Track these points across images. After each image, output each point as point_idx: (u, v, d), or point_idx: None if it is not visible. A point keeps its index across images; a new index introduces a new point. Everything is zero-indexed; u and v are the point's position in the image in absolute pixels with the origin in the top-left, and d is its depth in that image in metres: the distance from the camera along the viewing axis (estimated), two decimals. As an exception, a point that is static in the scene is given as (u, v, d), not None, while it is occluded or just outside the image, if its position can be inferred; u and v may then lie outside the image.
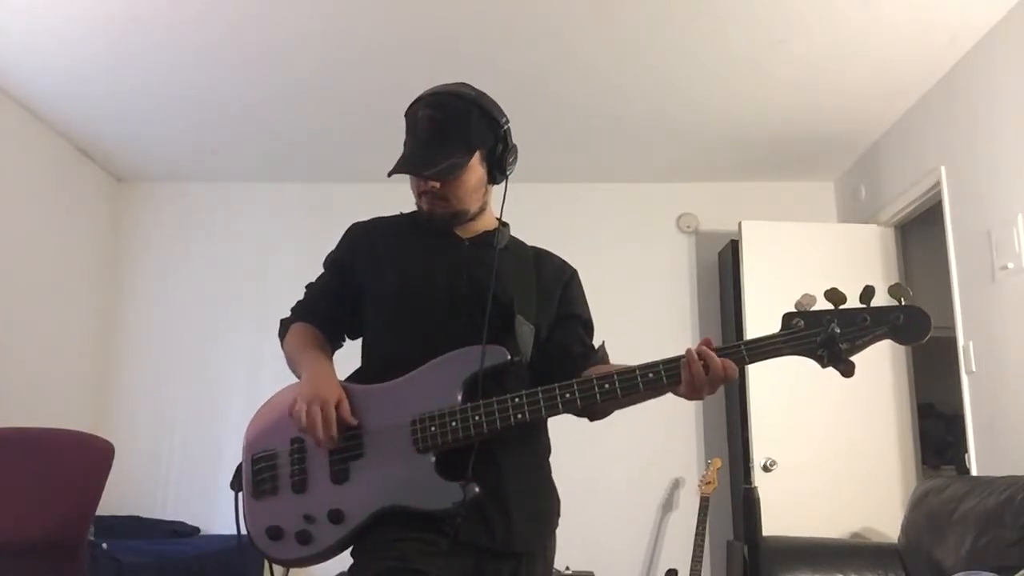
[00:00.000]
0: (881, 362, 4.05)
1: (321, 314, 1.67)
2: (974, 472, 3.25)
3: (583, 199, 4.76)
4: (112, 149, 4.46)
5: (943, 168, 3.56)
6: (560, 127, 4.15)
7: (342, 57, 3.50)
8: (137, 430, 4.48)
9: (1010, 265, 3.05)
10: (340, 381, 1.55)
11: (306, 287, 1.73)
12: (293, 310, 1.71)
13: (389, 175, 1.56)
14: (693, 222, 4.77)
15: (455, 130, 1.55)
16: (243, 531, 1.50)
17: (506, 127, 1.61)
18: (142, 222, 4.86)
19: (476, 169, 1.58)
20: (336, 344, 1.69)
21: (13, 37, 3.34)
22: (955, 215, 3.48)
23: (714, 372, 1.36)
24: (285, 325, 1.70)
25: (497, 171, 1.61)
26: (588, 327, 1.70)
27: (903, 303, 1.37)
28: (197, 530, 4.31)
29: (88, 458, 2.89)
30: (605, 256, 4.52)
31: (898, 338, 1.38)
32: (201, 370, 4.64)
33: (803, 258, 4.07)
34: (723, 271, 4.56)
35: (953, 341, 3.42)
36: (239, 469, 1.55)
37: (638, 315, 4.45)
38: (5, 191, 3.86)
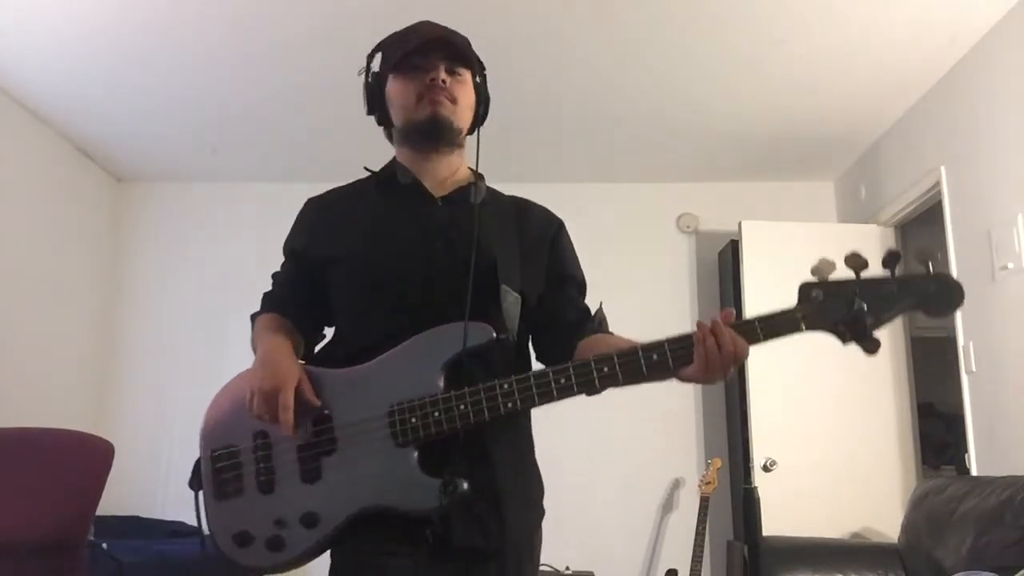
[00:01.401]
0: (881, 362, 4.05)
1: (286, 303, 1.53)
2: (974, 472, 3.25)
3: (583, 199, 4.75)
4: (112, 149, 4.46)
5: (943, 168, 3.56)
6: (560, 127, 4.14)
7: (342, 57, 3.48)
8: (137, 430, 4.48)
9: (1010, 265, 3.05)
10: (303, 365, 1.40)
11: (272, 276, 1.61)
12: (261, 302, 1.57)
13: (407, 53, 1.46)
14: (693, 222, 4.76)
15: (464, 42, 1.51)
16: (207, 534, 1.39)
17: (484, 74, 1.55)
18: (142, 222, 4.85)
19: (471, 88, 1.50)
20: (312, 335, 1.54)
21: (13, 37, 3.34)
22: (955, 215, 3.48)
23: (725, 348, 1.22)
24: (254, 319, 1.55)
25: (481, 109, 1.53)
26: (582, 288, 1.56)
27: (931, 270, 1.23)
28: (197, 530, 4.30)
29: (88, 458, 2.88)
30: (605, 256, 4.51)
31: (929, 310, 1.23)
32: (201, 370, 4.62)
33: (803, 258, 3.98)
34: (723, 271, 4.55)
35: (953, 341, 3.42)
36: (197, 465, 1.41)
37: (638, 315, 4.38)
38: (5, 191, 3.85)
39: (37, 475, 2.75)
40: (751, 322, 1.26)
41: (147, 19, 3.21)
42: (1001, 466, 2.99)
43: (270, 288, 1.60)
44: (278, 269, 1.61)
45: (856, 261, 1.23)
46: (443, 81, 1.44)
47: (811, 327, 1.24)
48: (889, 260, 1.23)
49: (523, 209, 1.56)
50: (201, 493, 1.40)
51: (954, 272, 3.45)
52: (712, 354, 1.23)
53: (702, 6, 3.11)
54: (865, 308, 1.22)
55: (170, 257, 4.80)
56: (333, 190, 1.60)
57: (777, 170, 4.63)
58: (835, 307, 1.23)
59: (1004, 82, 3.12)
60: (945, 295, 1.23)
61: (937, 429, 4.59)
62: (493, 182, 1.58)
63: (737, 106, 3.90)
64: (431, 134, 1.47)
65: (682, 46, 3.39)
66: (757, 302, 4.01)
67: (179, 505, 4.43)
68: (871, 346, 1.23)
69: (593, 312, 1.53)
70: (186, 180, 4.84)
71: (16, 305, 3.90)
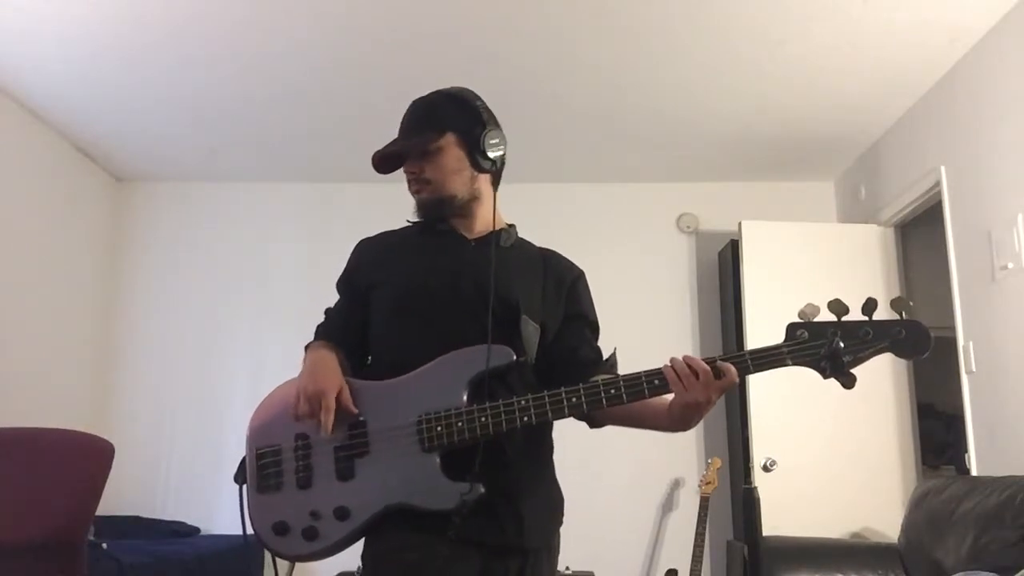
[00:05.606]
0: (881, 362, 4.01)
1: (337, 334, 1.67)
2: (974, 472, 3.25)
3: (583, 199, 4.76)
4: (112, 149, 4.46)
5: (943, 168, 3.56)
6: (560, 127, 4.14)
7: (342, 56, 3.50)
8: (137, 430, 4.48)
9: (1010, 265, 3.05)
10: (345, 376, 1.54)
11: (325, 311, 1.75)
12: (315, 333, 1.71)
13: (375, 166, 1.64)
14: (693, 222, 4.76)
15: (426, 117, 1.63)
16: (248, 524, 1.50)
17: (479, 106, 1.63)
18: (142, 222, 4.85)
19: (451, 150, 1.61)
20: (357, 362, 1.66)
21: (13, 37, 3.34)
22: (955, 215, 3.48)
23: (703, 374, 1.38)
24: (307, 349, 1.67)
25: (478, 153, 1.60)
26: (595, 329, 1.71)
27: (904, 317, 1.39)
28: (197, 530, 4.31)
29: (88, 458, 2.88)
30: (605, 256, 4.51)
31: (899, 352, 1.40)
32: (201, 370, 4.63)
33: (803, 258, 4.06)
34: (723, 271, 4.56)
35: (953, 341, 3.42)
36: (243, 462, 1.55)
37: (638, 315, 4.45)
38: (5, 191, 3.85)
39: (37, 475, 2.75)
40: (742, 355, 1.42)
41: (147, 19, 3.21)
42: (1001, 466, 2.99)
43: (322, 320, 1.73)
44: (330, 305, 1.75)
45: (838, 306, 1.40)
46: (413, 174, 1.62)
47: (796, 362, 1.41)
48: (867, 307, 1.40)
49: (548, 257, 1.73)
50: (245, 488, 1.53)
51: (954, 272, 3.45)
52: (681, 371, 1.39)
53: (702, 6, 3.11)
54: (843, 347, 1.39)
55: (170, 257, 4.80)
56: (382, 232, 1.75)
57: (777, 170, 4.63)
58: (817, 346, 1.40)
59: (1004, 82, 3.12)
60: (915, 340, 1.39)
61: (937, 429, 4.59)
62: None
63: (737, 106, 3.90)
64: (428, 217, 1.65)
65: (682, 46, 3.39)
66: (757, 302, 4.05)
67: (179, 505, 4.44)
68: (848, 381, 1.40)
69: (607, 356, 1.66)
70: (186, 180, 4.84)
71: (16, 305, 3.90)
